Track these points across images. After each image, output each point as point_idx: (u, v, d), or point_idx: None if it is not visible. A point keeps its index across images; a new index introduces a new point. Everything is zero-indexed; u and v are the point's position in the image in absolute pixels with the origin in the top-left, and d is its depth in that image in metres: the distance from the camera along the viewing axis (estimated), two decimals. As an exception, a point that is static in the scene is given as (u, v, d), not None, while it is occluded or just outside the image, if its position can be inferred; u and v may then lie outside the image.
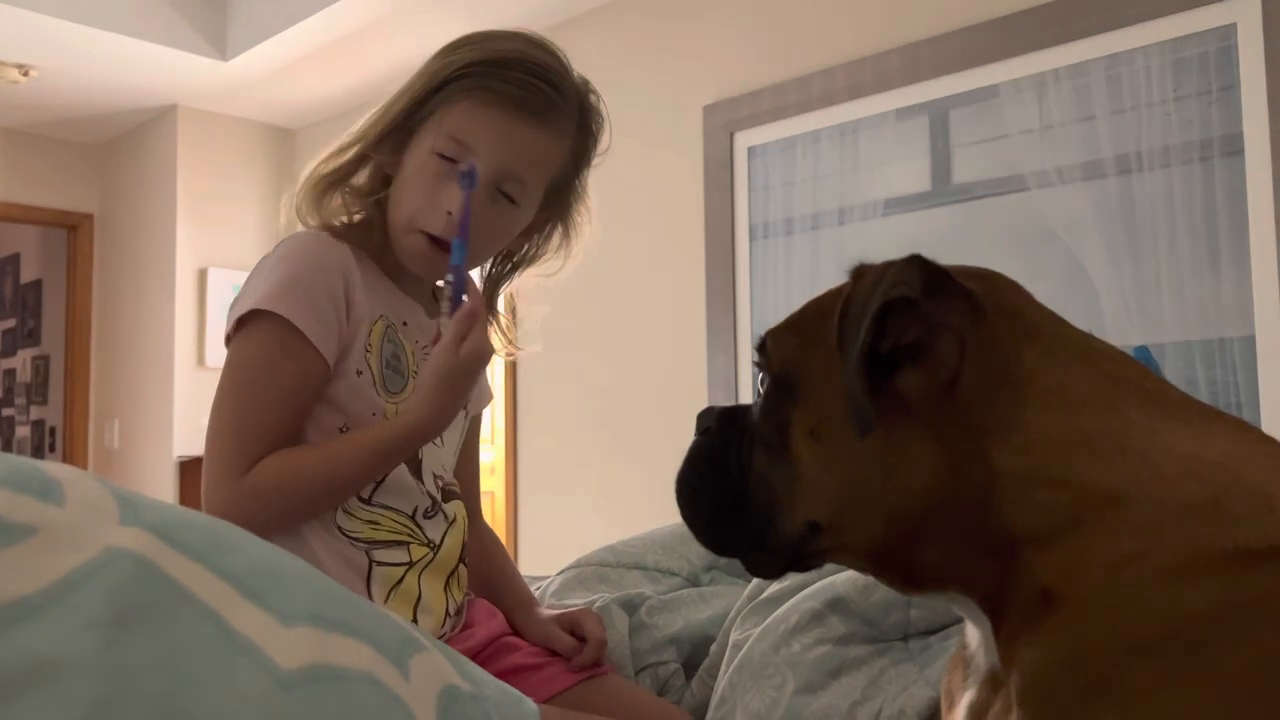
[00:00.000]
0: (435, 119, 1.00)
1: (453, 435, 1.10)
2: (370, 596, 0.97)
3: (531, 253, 1.14)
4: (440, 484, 1.06)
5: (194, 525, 0.43)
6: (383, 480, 0.99)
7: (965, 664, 0.68)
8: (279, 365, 0.94)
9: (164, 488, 4.22)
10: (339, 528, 0.96)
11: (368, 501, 0.98)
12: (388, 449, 0.94)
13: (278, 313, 0.93)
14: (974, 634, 0.66)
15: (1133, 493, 0.57)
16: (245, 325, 0.96)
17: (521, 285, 1.17)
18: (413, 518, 1.01)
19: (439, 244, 1.00)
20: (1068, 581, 0.56)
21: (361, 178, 1.04)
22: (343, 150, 1.04)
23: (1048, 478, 0.59)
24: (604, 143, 1.09)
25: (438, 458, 1.07)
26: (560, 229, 1.12)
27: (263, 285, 0.95)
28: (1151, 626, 0.52)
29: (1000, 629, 0.61)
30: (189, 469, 4.15)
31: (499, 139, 0.99)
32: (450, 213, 0.98)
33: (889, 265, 0.65)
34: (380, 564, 0.98)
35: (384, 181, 1.04)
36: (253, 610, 0.38)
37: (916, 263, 0.63)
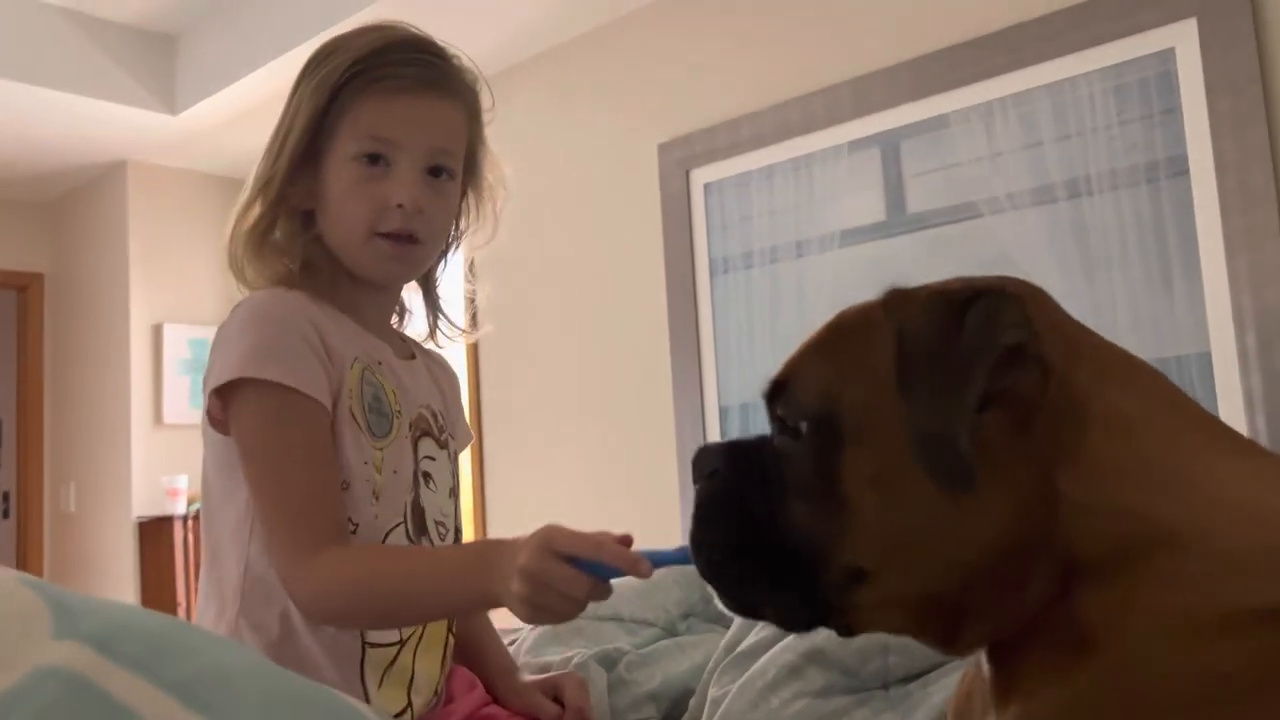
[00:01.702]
0: (342, 129, 0.98)
1: (444, 477, 1.06)
2: (364, 684, 0.95)
3: (457, 229, 1.12)
4: (441, 532, 1.03)
5: (137, 631, 0.40)
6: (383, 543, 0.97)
7: (984, 693, 0.65)
8: (288, 434, 0.91)
9: (123, 550, 4.12)
10: None
11: None
12: (456, 591, 0.89)
13: (263, 378, 0.90)
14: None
15: (1190, 532, 0.55)
16: (234, 401, 0.92)
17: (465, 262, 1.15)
18: None
19: (400, 240, 0.99)
20: (1109, 628, 0.54)
21: (282, 222, 1.01)
22: (253, 202, 1.01)
23: (1112, 507, 0.57)
24: (486, 99, 1.07)
25: (435, 503, 1.04)
26: (473, 194, 1.10)
27: (235, 354, 0.92)
28: (1182, 687, 0.51)
29: (1007, 660, 0.59)
30: (149, 531, 4.04)
31: (418, 122, 0.99)
32: (401, 205, 0.97)
33: (977, 299, 0.60)
34: (372, 645, 0.96)
35: (302, 217, 1.02)
36: (199, 725, 0.36)
37: (1014, 298, 0.60)
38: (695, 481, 0.70)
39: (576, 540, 0.79)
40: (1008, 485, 0.58)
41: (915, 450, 0.58)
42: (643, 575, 0.78)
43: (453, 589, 0.88)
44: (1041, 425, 0.59)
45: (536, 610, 0.80)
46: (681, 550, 0.74)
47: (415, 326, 1.15)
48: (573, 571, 0.78)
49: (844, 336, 0.66)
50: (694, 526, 0.68)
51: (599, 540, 0.78)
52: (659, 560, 0.78)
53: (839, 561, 0.62)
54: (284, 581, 0.91)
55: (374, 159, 0.98)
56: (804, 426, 0.63)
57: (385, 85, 0.98)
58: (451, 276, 1.17)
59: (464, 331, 1.16)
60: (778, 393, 0.67)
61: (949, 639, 0.63)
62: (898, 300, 0.64)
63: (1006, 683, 0.59)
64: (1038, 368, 0.59)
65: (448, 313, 1.15)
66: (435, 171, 1.00)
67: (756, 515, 0.65)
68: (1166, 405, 0.61)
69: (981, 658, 0.64)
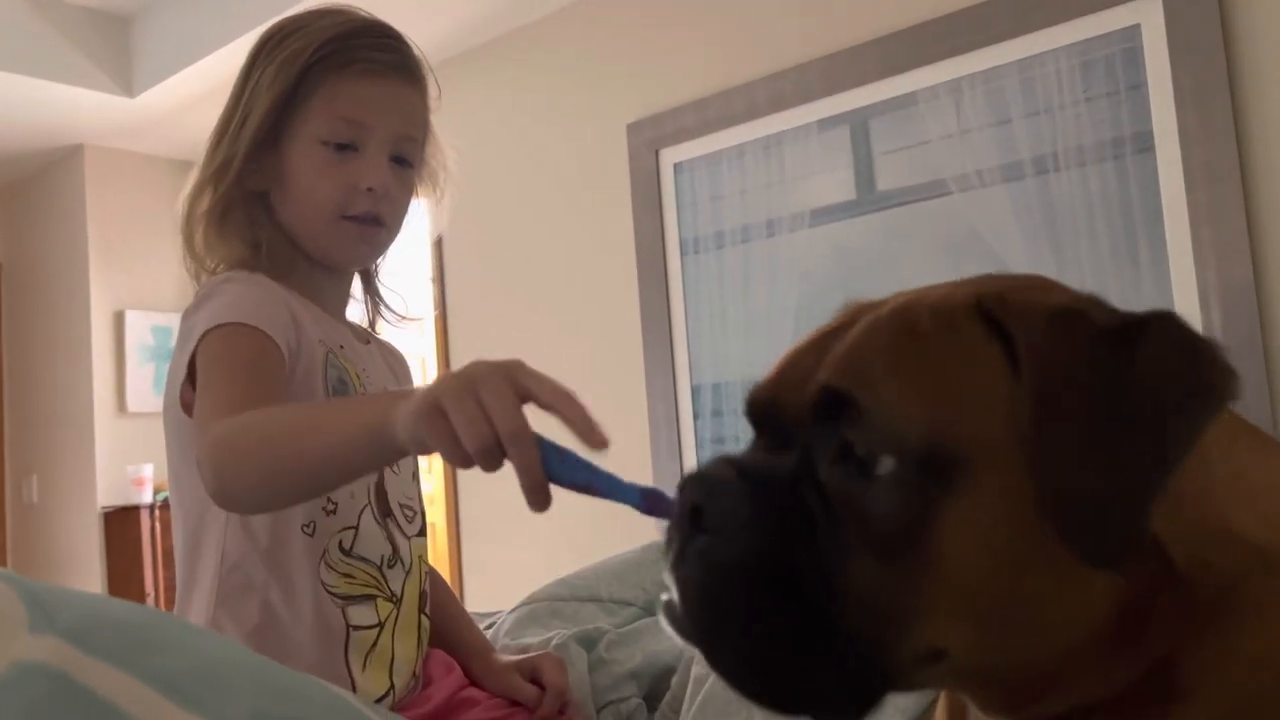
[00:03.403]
0: (309, 110, 0.97)
1: (407, 461, 1.06)
2: (349, 667, 0.94)
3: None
4: (408, 514, 1.03)
5: (117, 624, 0.39)
6: (358, 528, 0.96)
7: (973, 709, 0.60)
8: (234, 345, 0.88)
9: (88, 541, 4.06)
10: (322, 582, 0.93)
11: (347, 553, 0.95)
12: (354, 430, 0.72)
13: (224, 323, 0.88)
14: None
15: (1275, 546, 0.50)
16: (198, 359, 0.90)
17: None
18: (379, 568, 0.98)
19: (366, 223, 0.99)
20: (1205, 671, 0.49)
21: (238, 205, 1.00)
22: (206, 184, 0.99)
23: (1208, 531, 0.50)
24: (433, 88, 1.06)
25: (398, 486, 1.03)
26: (419, 180, 1.09)
27: (201, 323, 0.90)
28: None
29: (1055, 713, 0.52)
30: (114, 521, 3.99)
31: (389, 107, 0.99)
32: (371, 188, 0.97)
33: (1144, 328, 0.49)
34: (356, 628, 0.95)
35: (257, 198, 1.00)
36: (188, 718, 0.35)
37: (1198, 334, 0.49)
38: (701, 529, 0.52)
39: (541, 380, 0.63)
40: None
41: (1058, 511, 0.47)
42: (595, 445, 0.63)
43: (345, 417, 0.74)
44: None
45: (432, 416, 0.62)
46: (643, 497, 0.62)
47: (353, 313, 1.15)
48: (513, 400, 0.62)
49: (928, 348, 0.52)
50: (705, 596, 0.51)
51: (567, 391, 0.64)
52: (608, 486, 0.63)
53: (915, 641, 0.49)
54: (196, 458, 0.82)
55: (343, 144, 0.97)
56: (888, 461, 0.49)
57: (357, 69, 0.97)
58: (401, 261, 1.16)
59: (403, 318, 1.15)
60: (841, 409, 0.51)
61: (1017, 709, 0.54)
62: (1007, 313, 0.51)
63: None
64: None
65: (388, 299, 1.15)
66: (398, 160, 1.00)
67: (808, 583, 0.49)
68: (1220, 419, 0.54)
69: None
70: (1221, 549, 0.50)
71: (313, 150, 0.97)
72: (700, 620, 0.51)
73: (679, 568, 0.53)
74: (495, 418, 0.62)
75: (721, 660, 0.51)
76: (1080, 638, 0.50)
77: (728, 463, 0.54)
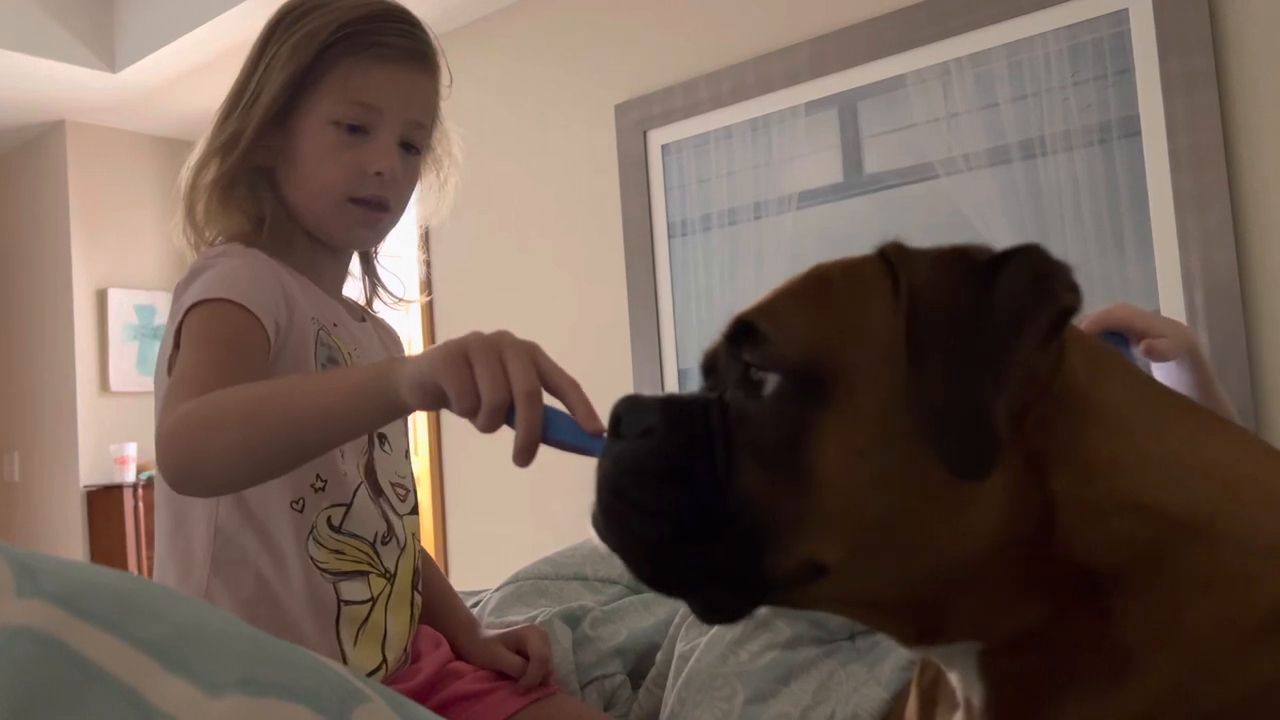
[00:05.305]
0: (323, 90, 0.97)
1: (399, 440, 1.07)
2: (340, 642, 0.94)
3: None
4: (400, 493, 1.03)
5: (104, 588, 0.39)
6: (351, 505, 0.96)
7: (944, 695, 0.62)
8: (216, 323, 0.87)
9: (71, 521, 4.04)
10: (311, 558, 0.93)
11: (337, 530, 0.95)
12: (349, 388, 0.74)
13: (211, 298, 0.88)
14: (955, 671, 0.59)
15: (1210, 522, 0.51)
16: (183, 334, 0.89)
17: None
18: (373, 545, 0.98)
19: (372, 207, 0.99)
20: (1150, 645, 0.50)
21: (243, 179, 0.99)
22: (213, 156, 0.99)
23: (1121, 505, 0.52)
24: (445, 77, 1.06)
25: (389, 465, 1.03)
26: (423, 166, 1.09)
27: (193, 293, 0.90)
28: (1240, 706, 0.48)
29: (1013, 676, 0.54)
30: (97, 500, 3.97)
31: (403, 93, 0.99)
32: (380, 173, 0.97)
33: (1008, 258, 0.53)
34: (347, 603, 0.95)
35: (262, 173, 1.00)
36: (176, 682, 0.35)
37: (1057, 260, 0.52)
38: (619, 437, 0.58)
39: (554, 364, 0.70)
40: (1004, 478, 0.51)
41: (929, 426, 0.50)
42: (593, 431, 0.68)
43: (337, 380, 0.76)
44: (1034, 415, 0.52)
45: (457, 363, 0.67)
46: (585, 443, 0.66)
47: (351, 292, 1.15)
48: (532, 367, 0.68)
49: (831, 289, 0.57)
50: (611, 488, 0.57)
51: (574, 379, 0.70)
52: (597, 446, 0.66)
53: (795, 550, 0.53)
54: (156, 434, 0.81)
55: (354, 126, 0.97)
56: (774, 379, 0.54)
57: (375, 52, 0.97)
58: (394, 244, 1.16)
59: (399, 300, 1.15)
60: (745, 335, 0.57)
61: (920, 638, 0.57)
62: (900, 257, 0.56)
63: (1016, 702, 0.54)
64: (1059, 348, 0.52)
65: (385, 280, 1.15)
66: (406, 146, 1.01)
67: (699, 485, 0.54)
68: (1145, 391, 0.57)
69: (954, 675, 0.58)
70: (1141, 521, 0.52)
71: (323, 130, 0.97)
72: (608, 508, 0.57)
73: (598, 469, 0.59)
74: (514, 378, 0.67)
75: (622, 545, 0.57)
76: (952, 567, 0.52)
77: (664, 394, 0.61)
